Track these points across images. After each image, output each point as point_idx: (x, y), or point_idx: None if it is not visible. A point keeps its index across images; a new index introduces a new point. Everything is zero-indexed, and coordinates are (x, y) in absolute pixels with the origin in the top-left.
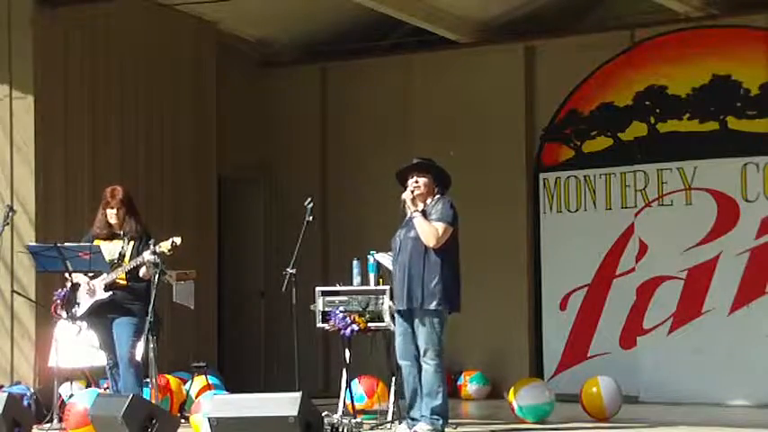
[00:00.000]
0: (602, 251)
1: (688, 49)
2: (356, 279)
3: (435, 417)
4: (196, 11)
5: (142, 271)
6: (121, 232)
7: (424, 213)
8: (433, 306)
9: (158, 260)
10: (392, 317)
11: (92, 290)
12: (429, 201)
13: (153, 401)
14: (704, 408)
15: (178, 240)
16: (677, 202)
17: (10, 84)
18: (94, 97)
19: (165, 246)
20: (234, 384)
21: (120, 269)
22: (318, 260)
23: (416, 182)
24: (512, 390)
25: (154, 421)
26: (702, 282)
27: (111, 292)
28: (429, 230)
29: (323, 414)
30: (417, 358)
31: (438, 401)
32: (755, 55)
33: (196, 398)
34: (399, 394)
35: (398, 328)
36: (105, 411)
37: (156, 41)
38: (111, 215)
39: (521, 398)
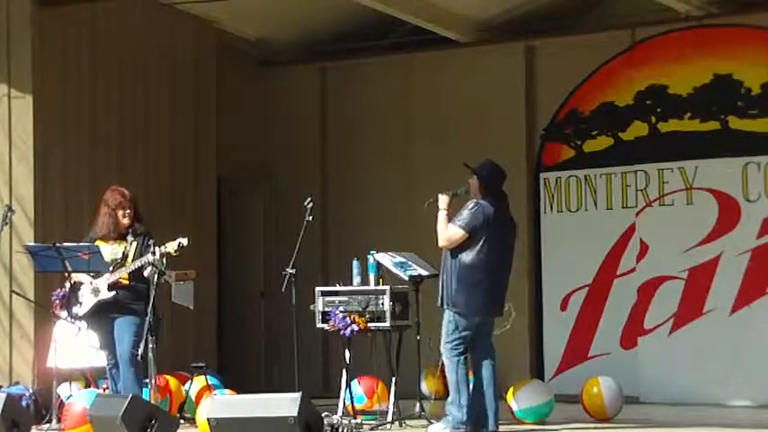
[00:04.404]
0: (603, 251)
1: (689, 49)
2: (356, 279)
3: (446, 411)
4: (196, 11)
5: (147, 271)
6: (130, 232)
7: None
8: (447, 307)
9: (159, 260)
10: None
11: (95, 289)
12: None
13: (152, 402)
14: (705, 408)
15: (185, 241)
16: (678, 201)
17: (9, 83)
18: (93, 96)
19: (171, 246)
20: (234, 384)
21: (123, 269)
22: (318, 260)
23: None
24: (510, 391)
25: (153, 422)
26: (703, 282)
27: (114, 292)
28: (438, 231)
29: (323, 414)
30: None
31: (449, 398)
32: (757, 54)
33: (196, 398)
34: (399, 395)
35: None
36: (104, 412)
37: (155, 41)
38: (125, 216)
39: (518, 401)
